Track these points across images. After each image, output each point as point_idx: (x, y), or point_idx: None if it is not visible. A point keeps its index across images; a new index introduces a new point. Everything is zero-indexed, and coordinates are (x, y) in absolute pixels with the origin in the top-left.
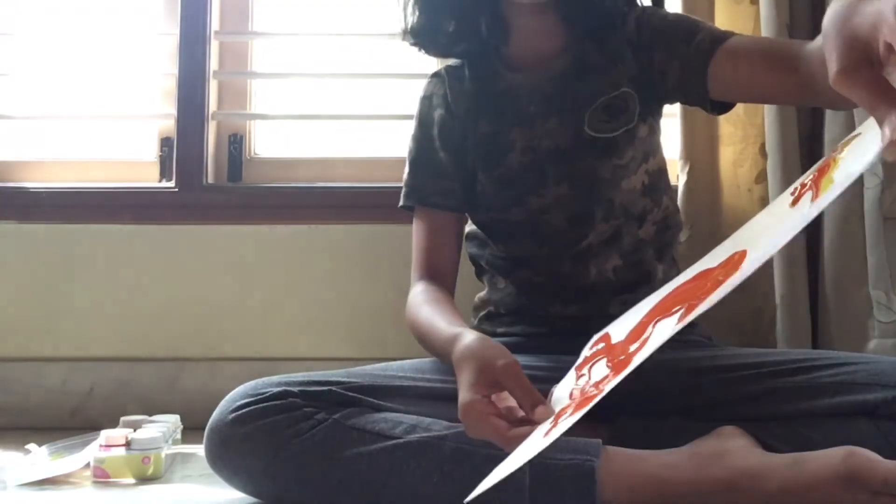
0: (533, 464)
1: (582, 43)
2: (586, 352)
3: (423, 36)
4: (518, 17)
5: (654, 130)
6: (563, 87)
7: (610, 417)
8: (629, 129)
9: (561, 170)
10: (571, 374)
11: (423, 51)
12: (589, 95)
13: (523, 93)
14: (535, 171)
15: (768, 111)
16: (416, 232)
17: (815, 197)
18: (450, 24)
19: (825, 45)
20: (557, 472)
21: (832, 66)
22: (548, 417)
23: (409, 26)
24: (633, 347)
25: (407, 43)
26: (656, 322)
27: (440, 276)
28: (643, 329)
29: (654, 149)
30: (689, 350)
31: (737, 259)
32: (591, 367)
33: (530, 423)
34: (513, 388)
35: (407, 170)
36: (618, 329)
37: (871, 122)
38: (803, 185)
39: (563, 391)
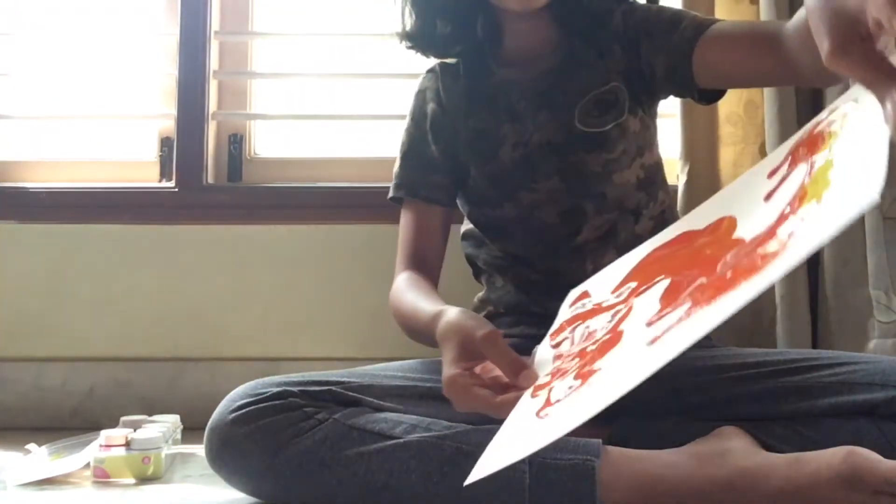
0: (533, 464)
1: (572, 40)
2: (566, 311)
3: (419, 39)
4: (511, 20)
5: (648, 125)
6: (553, 82)
7: (610, 417)
8: (619, 123)
9: (551, 164)
10: (548, 337)
11: (419, 53)
12: (579, 90)
13: (514, 89)
14: (526, 165)
15: (768, 111)
16: (403, 223)
17: (803, 195)
18: (446, 26)
19: (812, 24)
20: (557, 472)
21: (823, 46)
22: (533, 382)
23: (405, 30)
24: (606, 330)
25: (404, 46)
26: (640, 292)
27: (425, 267)
28: (625, 300)
29: (648, 144)
30: (689, 350)
31: (725, 226)
32: (573, 329)
33: (516, 389)
34: (494, 357)
35: (398, 163)
36: (597, 286)
37: (860, 97)
38: (791, 158)
39: (545, 352)
